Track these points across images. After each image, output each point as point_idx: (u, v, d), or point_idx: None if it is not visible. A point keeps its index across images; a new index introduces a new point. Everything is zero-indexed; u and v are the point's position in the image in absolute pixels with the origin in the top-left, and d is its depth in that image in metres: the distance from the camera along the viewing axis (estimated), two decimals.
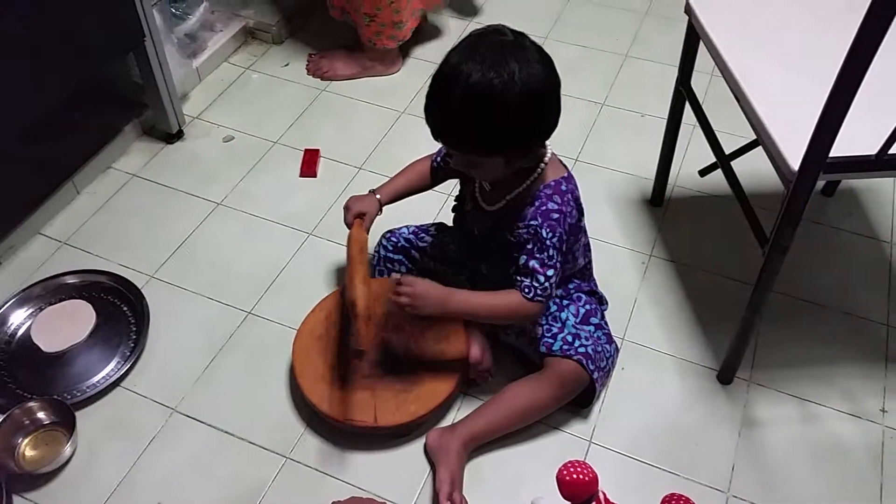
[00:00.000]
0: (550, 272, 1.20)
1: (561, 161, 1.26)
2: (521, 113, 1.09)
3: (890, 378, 1.40)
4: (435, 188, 1.45)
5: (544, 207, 1.20)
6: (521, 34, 1.12)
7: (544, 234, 1.19)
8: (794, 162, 1.06)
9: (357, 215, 1.36)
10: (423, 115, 1.14)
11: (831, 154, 1.02)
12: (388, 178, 1.42)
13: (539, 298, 1.21)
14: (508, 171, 1.18)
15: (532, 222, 1.19)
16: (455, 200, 1.41)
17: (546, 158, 1.21)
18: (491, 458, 1.28)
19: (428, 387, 1.30)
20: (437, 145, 1.37)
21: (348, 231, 1.37)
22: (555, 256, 1.20)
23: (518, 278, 1.21)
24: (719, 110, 1.49)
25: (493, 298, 1.23)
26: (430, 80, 1.13)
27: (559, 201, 1.20)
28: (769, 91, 1.18)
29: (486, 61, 1.06)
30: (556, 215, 1.19)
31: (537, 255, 1.20)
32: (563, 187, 1.22)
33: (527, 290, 1.20)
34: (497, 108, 1.07)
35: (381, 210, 1.38)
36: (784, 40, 1.29)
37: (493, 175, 1.21)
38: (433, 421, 1.32)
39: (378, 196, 1.38)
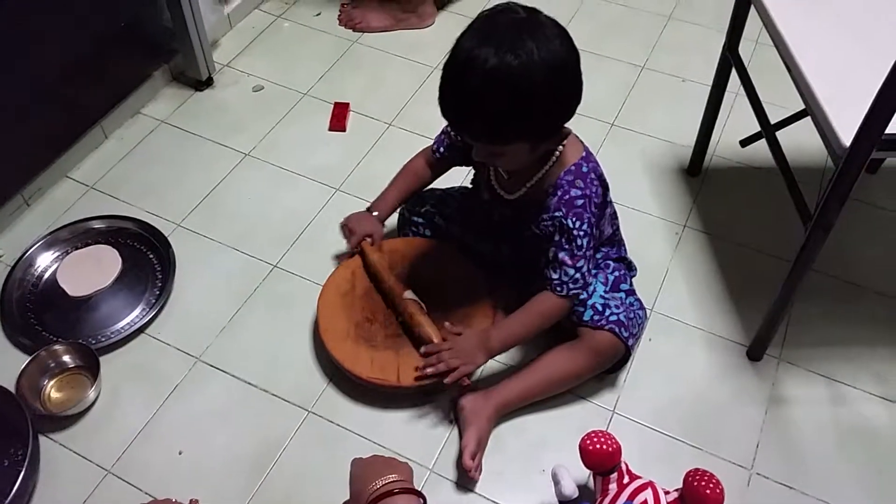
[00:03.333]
0: (581, 262, 1.18)
1: (578, 137, 1.21)
2: (545, 94, 1.02)
3: None
4: None
5: (567, 196, 1.16)
6: (534, 9, 1.05)
7: (570, 225, 1.16)
8: (846, 136, 1.02)
9: (362, 238, 1.34)
10: (439, 103, 1.07)
11: (887, 130, 0.97)
12: (416, 131, 1.39)
13: (573, 291, 1.20)
14: (533, 157, 1.13)
15: (556, 213, 1.16)
16: (471, 184, 1.38)
17: (565, 141, 1.17)
18: (513, 424, 1.28)
19: None
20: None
21: (358, 256, 1.38)
22: (584, 245, 1.17)
23: (548, 273, 1.20)
24: (763, 79, 1.44)
25: (529, 316, 1.23)
26: (441, 70, 1.06)
27: (581, 185, 1.16)
28: (822, 60, 1.13)
29: (502, 43, 0.99)
30: (580, 202, 1.16)
31: (566, 247, 1.17)
32: (584, 168, 1.18)
33: (558, 288, 1.19)
34: (519, 91, 1.01)
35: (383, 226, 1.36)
36: (840, 7, 1.23)
37: (518, 163, 1.15)
38: (455, 383, 1.31)
39: (376, 213, 1.36)
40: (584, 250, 1.17)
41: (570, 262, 1.18)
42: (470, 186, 1.43)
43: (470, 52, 1.01)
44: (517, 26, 1.02)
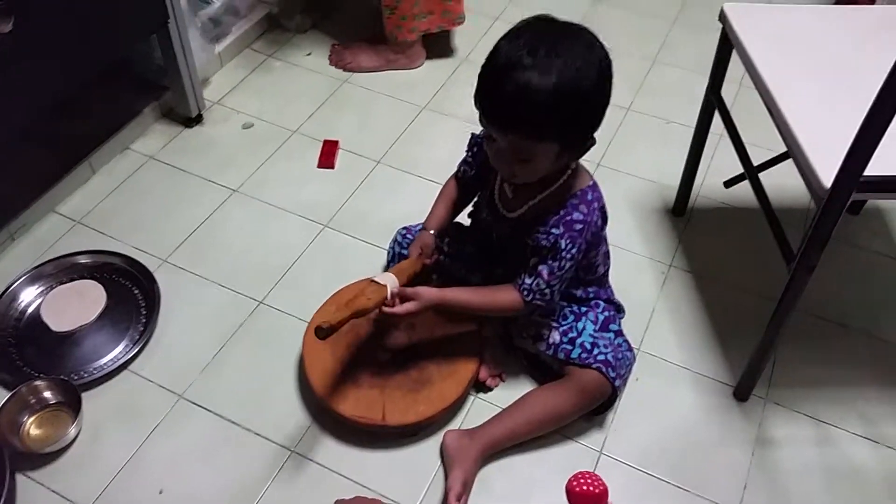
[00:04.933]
0: (555, 282, 1.20)
1: (585, 168, 1.23)
2: (591, 93, 1.06)
3: None
4: None
5: (569, 217, 1.17)
6: (569, 22, 1.10)
7: (562, 246, 1.17)
8: (827, 179, 1.03)
9: (418, 249, 1.34)
10: (478, 98, 1.09)
11: (865, 172, 0.99)
12: (404, 169, 1.40)
13: (537, 301, 1.21)
14: (553, 167, 1.14)
15: (553, 230, 1.17)
16: (472, 206, 1.39)
17: (572, 167, 1.19)
18: (499, 465, 1.26)
19: (438, 388, 1.29)
20: (455, 159, 1.35)
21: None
22: (566, 268, 1.19)
23: (522, 275, 1.21)
24: (746, 121, 1.46)
25: (484, 296, 1.25)
26: (482, 64, 1.08)
27: (585, 211, 1.18)
28: (802, 103, 1.15)
29: (556, 44, 1.03)
30: (579, 226, 1.17)
31: (549, 263, 1.19)
32: (590, 196, 1.19)
33: (526, 292, 1.21)
34: (570, 88, 1.03)
35: (436, 240, 1.37)
36: (819, 53, 1.26)
37: (539, 171, 1.15)
38: (442, 422, 1.30)
39: (431, 231, 1.37)
40: (563, 272, 1.19)
41: (545, 277, 1.19)
42: (460, 219, 1.44)
43: (518, 50, 1.04)
44: (565, 29, 1.08)
